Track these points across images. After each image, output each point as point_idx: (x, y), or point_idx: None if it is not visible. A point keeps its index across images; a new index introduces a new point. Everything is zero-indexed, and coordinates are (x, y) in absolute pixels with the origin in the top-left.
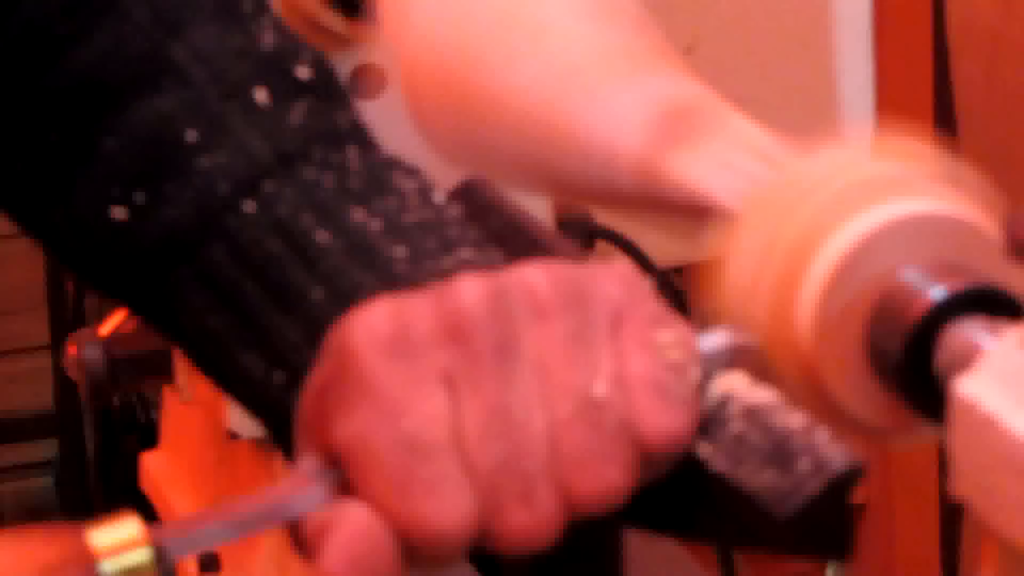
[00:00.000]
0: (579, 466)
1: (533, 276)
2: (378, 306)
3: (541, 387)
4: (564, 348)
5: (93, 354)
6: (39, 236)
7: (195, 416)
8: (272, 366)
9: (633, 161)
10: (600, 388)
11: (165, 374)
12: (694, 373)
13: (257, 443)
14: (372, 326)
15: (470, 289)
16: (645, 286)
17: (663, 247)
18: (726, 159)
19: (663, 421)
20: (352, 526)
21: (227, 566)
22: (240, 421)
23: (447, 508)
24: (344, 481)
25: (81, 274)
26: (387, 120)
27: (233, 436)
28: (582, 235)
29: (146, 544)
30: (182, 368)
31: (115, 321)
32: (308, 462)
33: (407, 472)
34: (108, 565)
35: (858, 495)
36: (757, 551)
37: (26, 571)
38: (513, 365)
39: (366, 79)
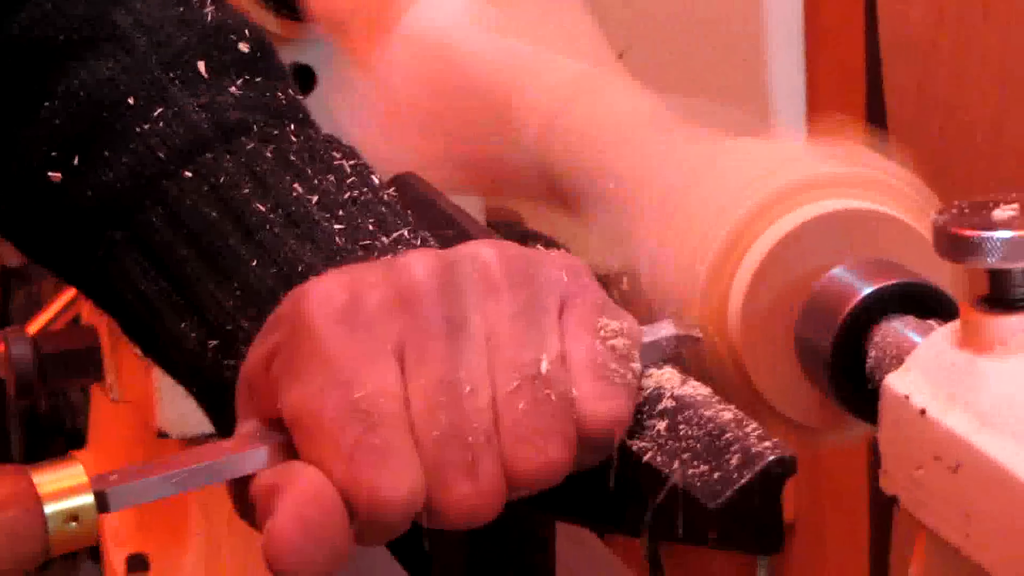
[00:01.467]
0: (522, 440)
1: (484, 253)
2: (332, 276)
3: (488, 361)
4: (512, 324)
5: (21, 351)
6: None
7: (124, 415)
8: (205, 333)
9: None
10: (545, 366)
11: (94, 372)
12: (636, 361)
13: (187, 442)
14: (327, 295)
15: (421, 262)
16: (590, 275)
17: (594, 254)
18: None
19: (604, 405)
20: (304, 487)
21: (155, 567)
22: (169, 420)
23: (394, 478)
24: (287, 445)
25: (16, 241)
26: (318, 118)
27: (162, 435)
28: (513, 239)
29: (90, 490)
30: (111, 367)
31: (43, 319)
32: (249, 425)
33: (355, 441)
34: (51, 507)
35: (787, 512)
36: (689, 544)
37: None
38: (461, 338)
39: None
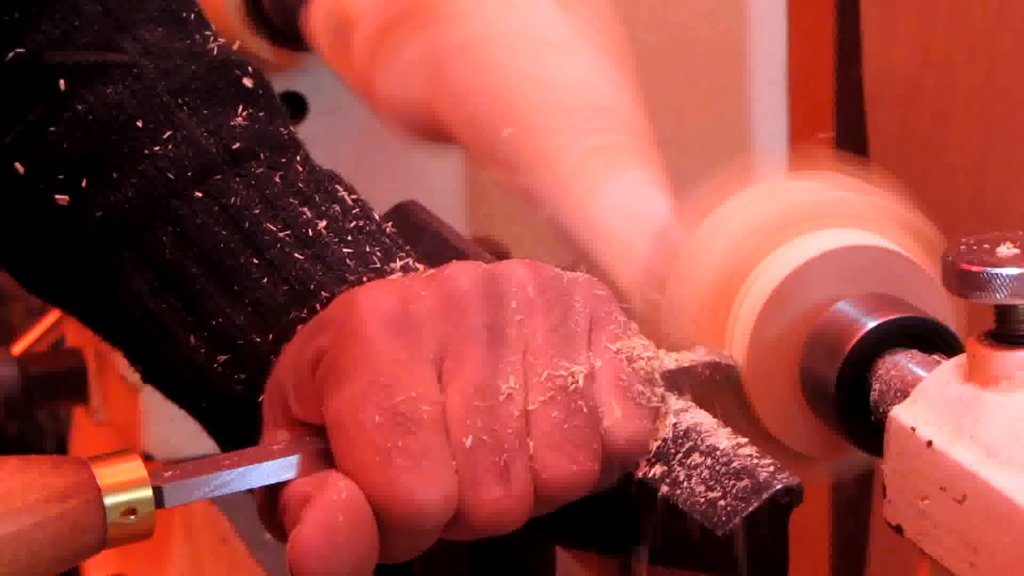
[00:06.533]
0: (554, 447)
1: (522, 270)
2: (382, 284)
3: (524, 371)
4: (548, 338)
5: (7, 372)
6: None
7: (108, 438)
8: (215, 348)
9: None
10: (578, 380)
11: (79, 394)
12: (660, 385)
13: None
14: (377, 301)
15: (466, 273)
16: (614, 299)
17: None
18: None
19: (631, 424)
20: (334, 495)
21: None
22: (155, 442)
23: (428, 482)
24: (322, 452)
25: (14, 267)
26: (309, 146)
27: (148, 457)
28: None
29: (148, 484)
30: (97, 389)
31: (27, 341)
32: (282, 433)
33: (393, 445)
34: (111, 499)
35: None
36: (694, 570)
37: (33, 495)
38: (500, 347)
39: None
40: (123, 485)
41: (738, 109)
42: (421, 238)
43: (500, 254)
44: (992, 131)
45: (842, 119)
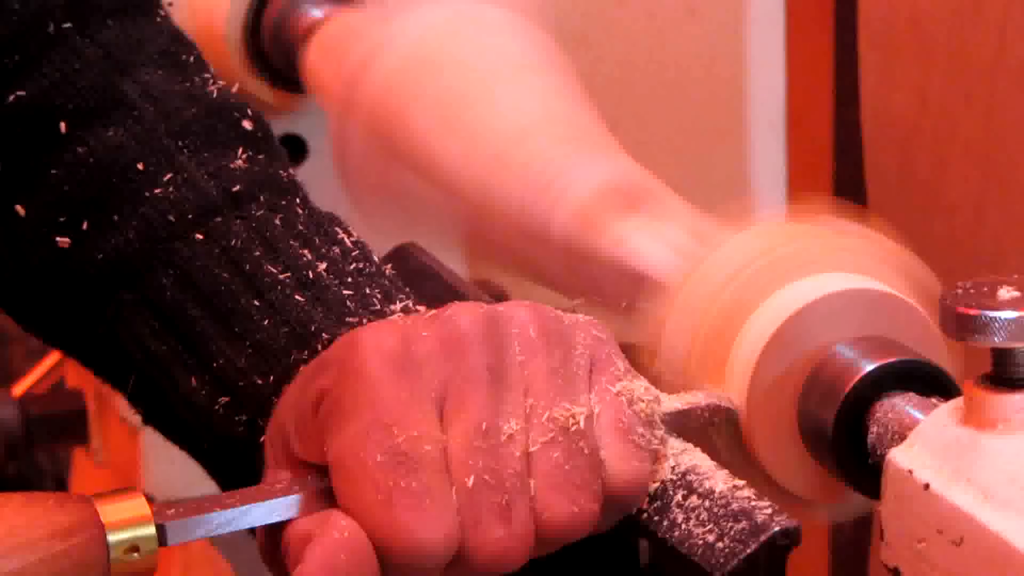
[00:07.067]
0: (555, 488)
1: (523, 312)
2: (384, 324)
3: (526, 412)
4: (549, 379)
5: (8, 414)
6: None
7: (108, 479)
8: (216, 390)
9: (566, 234)
10: (579, 421)
11: (80, 435)
12: (660, 428)
13: None
14: (379, 341)
15: (467, 314)
16: (615, 341)
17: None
18: (660, 233)
19: (630, 466)
20: (335, 535)
21: None
22: (155, 483)
23: (430, 521)
24: (324, 492)
25: (14, 309)
26: (309, 188)
27: (149, 499)
28: None
29: (151, 522)
30: (97, 430)
31: (28, 382)
32: (283, 473)
33: (394, 484)
34: (115, 536)
35: None
36: None
37: (38, 532)
38: (501, 387)
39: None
40: (126, 522)
41: (737, 152)
42: (421, 280)
43: (499, 296)
44: (990, 174)
45: (840, 163)
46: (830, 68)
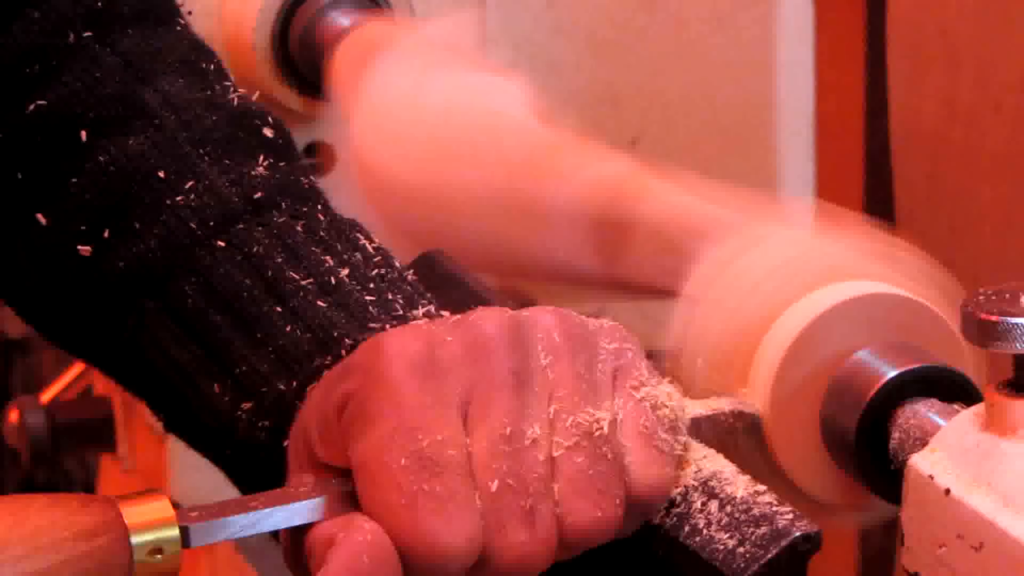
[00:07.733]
0: (579, 493)
1: (546, 318)
2: (408, 329)
3: (550, 416)
4: (573, 384)
5: (36, 420)
6: None
7: (135, 485)
8: (239, 396)
9: (599, 205)
10: (603, 426)
11: (107, 442)
12: (683, 433)
13: None
14: (403, 346)
15: (492, 319)
16: (639, 347)
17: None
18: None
19: (654, 471)
20: (359, 538)
21: None
22: (182, 490)
23: (453, 525)
24: (348, 495)
25: (38, 320)
26: (337, 195)
27: (175, 506)
28: None
29: (175, 524)
30: (124, 437)
31: (56, 389)
32: (307, 476)
33: (418, 488)
34: (138, 537)
35: None
36: None
37: (61, 533)
38: (526, 392)
39: (317, 155)
40: (150, 524)
41: (765, 162)
42: (447, 287)
43: (525, 303)
44: (1019, 183)
45: (869, 172)
46: (860, 78)
